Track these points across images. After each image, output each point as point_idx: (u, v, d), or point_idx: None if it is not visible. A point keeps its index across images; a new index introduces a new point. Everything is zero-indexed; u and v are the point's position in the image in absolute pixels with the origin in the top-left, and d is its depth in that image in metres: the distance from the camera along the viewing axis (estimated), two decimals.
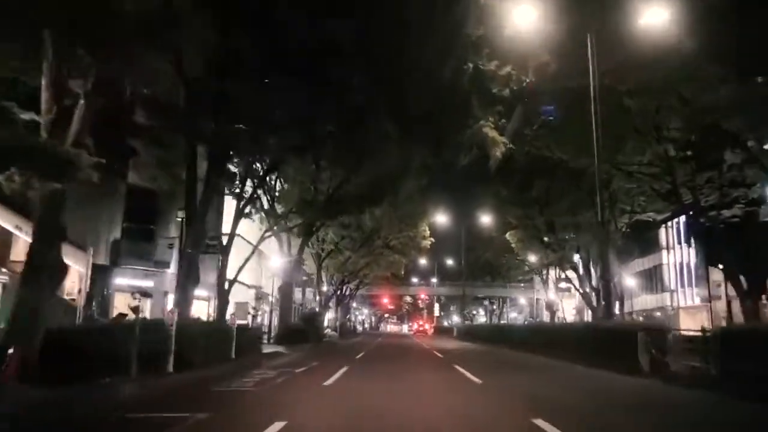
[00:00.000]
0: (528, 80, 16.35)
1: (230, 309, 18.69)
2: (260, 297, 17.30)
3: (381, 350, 24.91)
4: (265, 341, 26.75)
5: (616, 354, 12.29)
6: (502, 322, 75.83)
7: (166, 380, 9.97)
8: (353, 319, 79.77)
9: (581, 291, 40.04)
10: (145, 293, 10.95)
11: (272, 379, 10.79)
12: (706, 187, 26.73)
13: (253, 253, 18.79)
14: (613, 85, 20.20)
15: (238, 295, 31.87)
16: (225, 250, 17.78)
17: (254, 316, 16.76)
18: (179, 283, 14.31)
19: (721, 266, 28.28)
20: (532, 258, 48.78)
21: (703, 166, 25.91)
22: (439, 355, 19.52)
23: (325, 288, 42.64)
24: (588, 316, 58.17)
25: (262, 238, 19.32)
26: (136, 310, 9.78)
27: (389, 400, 8.15)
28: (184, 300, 13.91)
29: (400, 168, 21.05)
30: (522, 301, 77.04)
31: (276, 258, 29.37)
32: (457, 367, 13.36)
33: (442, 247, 72.55)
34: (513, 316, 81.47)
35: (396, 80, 15.14)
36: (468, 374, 11.53)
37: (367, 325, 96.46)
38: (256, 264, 42.64)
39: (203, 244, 15.13)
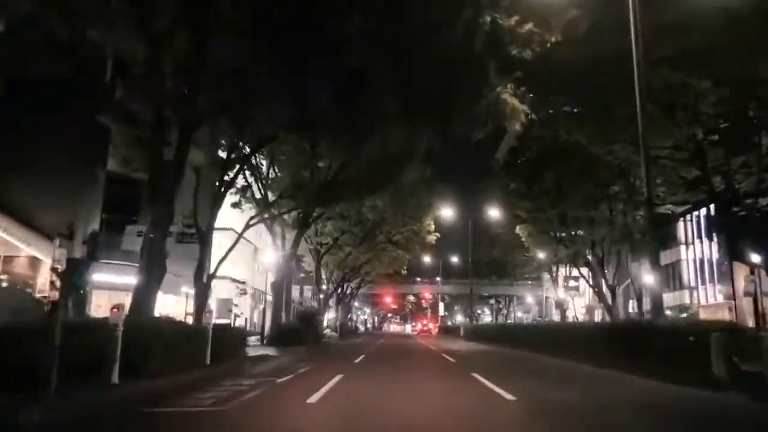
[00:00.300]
0: (553, 40, 13.98)
1: (210, 306, 16.45)
2: (244, 292, 14.96)
3: (383, 352, 22.55)
4: (258, 342, 24.48)
5: (675, 360, 9.92)
6: (508, 321, 73.52)
7: (96, 396, 7.62)
8: (355, 318, 77.51)
9: (596, 288, 37.78)
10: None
11: (243, 392, 8.44)
12: (740, 172, 24.41)
13: (236, 242, 16.45)
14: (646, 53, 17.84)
15: (224, 292, 29.64)
16: (204, 239, 15.45)
17: (237, 315, 14.45)
18: (139, 274, 11.97)
19: (757, 259, 25.86)
20: (542, 254, 46.52)
21: (736, 149, 23.60)
22: (450, 358, 17.15)
23: (324, 286, 40.34)
24: (598, 315, 55.95)
25: (247, 225, 16.95)
26: (54, 305, 7.46)
27: (396, 429, 5.82)
28: (145, 294, 11.58)
29: (405, 148, 18.74)
30: (529, 299, 74.55)
31: (270, 252, 27.11)
32: (477, 375, 10.92)
33: (447, 245, 70.36)
34: (519, 316, 79.05)
35: (399, 36, 12.79)
36: (494, 387, 9.09)
37: (369, 325, 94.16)
38: (252, 260, 40.43)
39: (168, 227, 12.75)
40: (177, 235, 16.46)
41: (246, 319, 16.32)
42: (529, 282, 70.06)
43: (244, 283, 14.86)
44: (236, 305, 14.51)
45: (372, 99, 15.88)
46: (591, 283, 38.75)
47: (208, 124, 13.59)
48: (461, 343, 36.05)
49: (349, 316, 61.48)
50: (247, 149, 17.02)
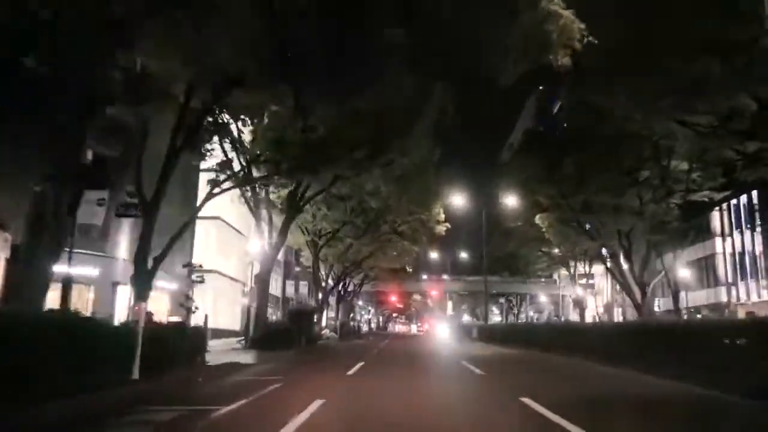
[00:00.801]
0: None
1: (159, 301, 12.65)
2: (200, 280, 11.10)
3: (387, 358, 18.68)
4: (240, 345, 20.76)
5: None
6: (519, 321, 69.48)
7: None
8: (359, 318, 73.69)
9: (620, 283, 33.85)
10: None
11: None
12: None
13: (193, 217, 12.56)
14: None
15: (209, 289, 25.76)
16: (149, 211, 11.63)
17: (189, 310, 10.67)
18: (24, 251, 8.18)
19: None
20: (559, 249, 42.62)
21: None
22: (474, 368, 13.17)
23: (323, 282, 36.51)
24: (618, 314, 51.93)
25: (209, 195, 13.06)
26: None
27: None
28: (27, 277, 7.77)
29: (413, 100, 14.94)
30: (543, 298, 70.38)
31: (255, 241, 23.35)
32: (535, 405, 6.95)
33: (455, 240, 66.39)
34: (530, 315, 74.90)
35: None
36: None
37: (373, 325, 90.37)
38: (246, 254, 36.59)
39: (73, 179, 8.90)
40: (118, 206, 12.72)
41: (206, 316, 12.54)
42: (543, 279, 66.11)
43: (200, 267, 11.15)
44: (191, 298, 10.73)
45: (369, 31, 12.08)
46: (619, 279, 34.94)
47: (141, 45, 9.78)
48: (478, 345, 32.11)
49: (351, 315, 57.56)
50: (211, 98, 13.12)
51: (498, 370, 12.99)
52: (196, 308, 11.38)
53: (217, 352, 18.06)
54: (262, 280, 21.00)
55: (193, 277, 11.43)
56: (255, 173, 19.15)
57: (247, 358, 15.48)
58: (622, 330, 19.34)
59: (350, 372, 11.80)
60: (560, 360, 17.21)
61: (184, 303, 10.94)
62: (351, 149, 14.87)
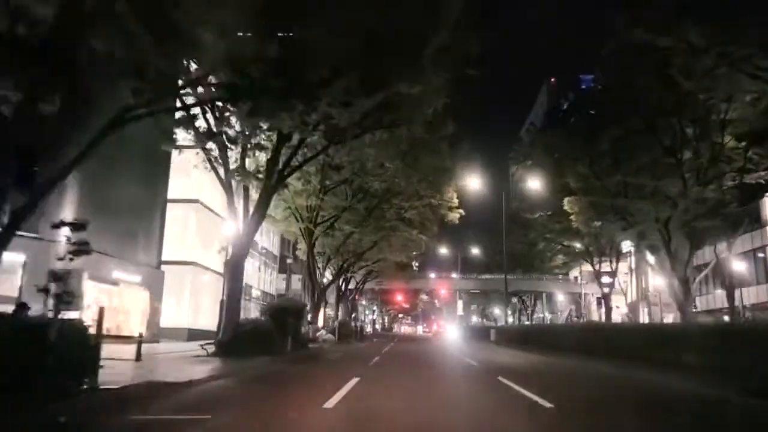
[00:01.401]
0: None
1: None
2: (78, 251, 6.54)
3: (392, 372, 13.97)
4: (205, 352, 16.14)
5: None
6: (534, 322, 64.79)
7: None
8: (362, 318, 69.06)
9: (668, 280, 29.13)
10: None
11: None
12: None
13: (83, 156, 7.87)
14: None
15: (187, 284, 21.15)
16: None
17: (59, 298, 6.16)
18: None
19: None
20: (587, 238, 38.03)
21: None
22: (533, 396, 8.40)
23: (320, 278, 31.88)
24: (645, 314, 47.05)
25: (117, 119, 8.24)
26: None
27: None
28: None
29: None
30: (560, 297, 65.37)
31: (230, 222, 18.75)
32: None
33: (465, 236, 61.69)
34: (545, 315, 69.95)
35: None
36: None
37: (378, 326, 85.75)
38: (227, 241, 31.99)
39: None
40: None
41: (101, 309, 8.06)
42: (560, 277, 61.31)
43: (82, 227, 6.88)
44: (60, 277, 6.31)
45: None
46: (659, 270, 30.32)
47: None
48: (501, 351, 27.34)
49: (353, 315, 52.88)
50: None
51: (572, 403, 7.91)
52: (69, 299, 6.76)
53: (161, 362, 13.50)
54: (234, 266, 16.45)
55: (67, 240, 6.82)
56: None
57: (195, 371, 10.86)
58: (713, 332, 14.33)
59: (329, 403, 7.11)
60: (633, 375, 12.51)
61: (48, 287, 6.43)
62: (335, 73, 10.18)
